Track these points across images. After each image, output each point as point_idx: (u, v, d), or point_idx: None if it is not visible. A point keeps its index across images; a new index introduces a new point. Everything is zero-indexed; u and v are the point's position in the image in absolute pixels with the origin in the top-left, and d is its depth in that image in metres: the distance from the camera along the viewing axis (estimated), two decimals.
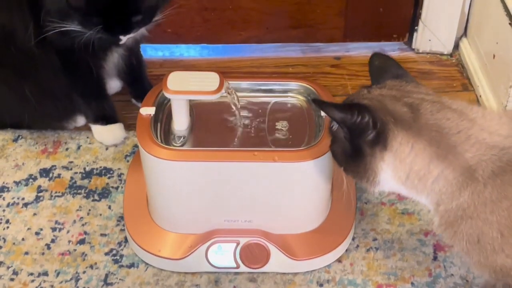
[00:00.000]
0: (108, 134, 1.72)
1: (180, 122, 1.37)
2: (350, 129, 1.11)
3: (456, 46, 2.03)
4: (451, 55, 2.03)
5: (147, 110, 1.38)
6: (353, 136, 1.11)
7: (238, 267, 1.40)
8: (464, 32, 2.01)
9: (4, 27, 1.57)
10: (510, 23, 1.68)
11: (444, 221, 1.11)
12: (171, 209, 1.39)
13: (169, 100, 1.42)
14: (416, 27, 2.01)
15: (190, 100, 1.39)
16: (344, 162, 1.18)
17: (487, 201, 1.05)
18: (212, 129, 1.42)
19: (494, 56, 1.79)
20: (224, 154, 1.30)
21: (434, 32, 1.99)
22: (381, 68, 1.23)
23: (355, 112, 1.08)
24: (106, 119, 1.73)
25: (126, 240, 1.48)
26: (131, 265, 1.44)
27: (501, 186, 1.05)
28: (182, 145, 1.36)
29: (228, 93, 1.37)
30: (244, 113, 1.43)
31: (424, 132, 1.08)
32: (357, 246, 1.48)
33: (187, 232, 1.40)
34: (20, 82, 1.63)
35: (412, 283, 1.40)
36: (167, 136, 1.38)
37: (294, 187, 1.34)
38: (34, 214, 1.55)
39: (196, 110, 1.43)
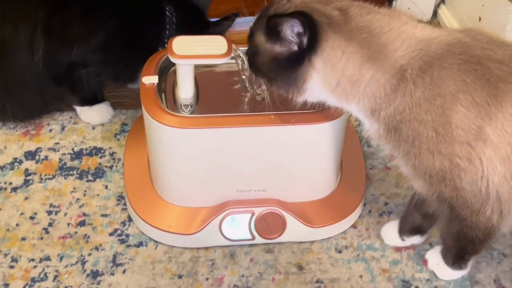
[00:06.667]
0: (95, 113, 1.63)
1: (187, 89, 1.30)
2: (309, 33, 1.08)
3: (435, 14, 2.03)
4: (430, 22, 2.03)
5: (149, 79, 1.31)
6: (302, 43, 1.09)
7: (253, 238, 1.35)
8: None
9: (5, 42, 1.46)
10: None
11: (387, 128, 1.10)
12: (182, 181, 1.32)
13: (170, 68, 1.36)
14: None
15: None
16: (273, 71, 1.14)
17: (421, 101, 1.05)
18: (218, 97, 1.36)
19: (480, 19, 1.79)
20: (241, 119, 1.24)
21: (413, 0, 1.99)
22: None
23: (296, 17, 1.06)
24: (93, 100, 1.64)
25: (129, 219, 1.40)
26: (139, 244, 1.36)
27: (431, 84, 1.04)
28: (191, 114, 1.29)
29: (236, 57, 1.31)
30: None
31: (355, 35, 1.08)
32: (370, 211, 1.44)
33: (198, 206, 1.34)
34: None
35: (430, 244, 1.37)
36: (172, 106, 1.30)
37: (310, 151, 1.30)
38: (26, 198, 1.45)
39: (199, 79, 1.36)
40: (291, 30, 1.09)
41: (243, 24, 2.02)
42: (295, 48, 1.10)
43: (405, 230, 1.35)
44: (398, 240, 1.36)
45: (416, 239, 1.35)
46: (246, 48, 1.38)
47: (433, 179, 1.12)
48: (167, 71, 1.37)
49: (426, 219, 1.31)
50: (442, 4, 2.01)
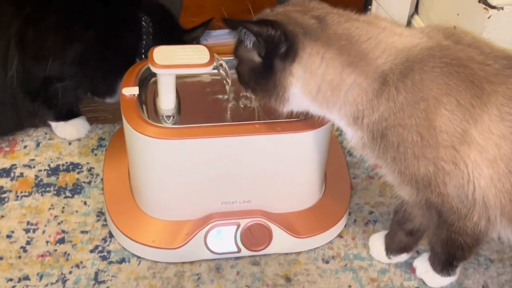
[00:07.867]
0: (71, 129, 1.59)
1: (169, 100, 1.27)
2: (266, 42, 1.09)
3: (409, 24, 2.04)
4: None
5: (130, 91, 1.28)
6: (268, 52, 1.10)
7: (239, 251, 1.32)
8: (415, 10, 2.02)
9: None
10: None
11: (373, 135, 1.09)
12: (165, 194, 1.29)
13: (150, 79, 1.33)
14: (369, 6, 2.01)
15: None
16: (253, 81, 1.15)
17: (404, 106, 1.05)
18: (200, 107, 1.33)
19: (455, 28, 1.80)
20: (225, 129, 1.22)
21: (388, 10, 1.99)
22: None
23: (268, 26, 1.07)
24: (69, 115, 1.60)
25: (111, 235, 1.36)
26: (122, 260, 1.32)
27: (413, 88, 1.04)
28: (174, 125, 1.26)
29: (219, 67, 1.29)
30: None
31: (333, 41, 1.08)
32: (355, 220, 1.43)
33: (182, 219, 1.31)
34: None
35: (417, 252, 1.36)
36: (154, 118, 1.27)
37: (295, 159, 1.28)
38: (2, 216, 1.40)
39: (180, 90, 1.33)
40: (265, 38, 1.08)
41: (220, 37, 2.01)
42: (263, 55, 1.10)
43: (392, 249, 1.33)
44: (385, 258, 1.34)
45: (403, 257, 1.34)
46: (229, 58, 1.37)
47: (419, 185, 1.11)
48: (147, 82, 1.34)
49: (411, 237, 1.31)
50: (416, 14, 2.03)
